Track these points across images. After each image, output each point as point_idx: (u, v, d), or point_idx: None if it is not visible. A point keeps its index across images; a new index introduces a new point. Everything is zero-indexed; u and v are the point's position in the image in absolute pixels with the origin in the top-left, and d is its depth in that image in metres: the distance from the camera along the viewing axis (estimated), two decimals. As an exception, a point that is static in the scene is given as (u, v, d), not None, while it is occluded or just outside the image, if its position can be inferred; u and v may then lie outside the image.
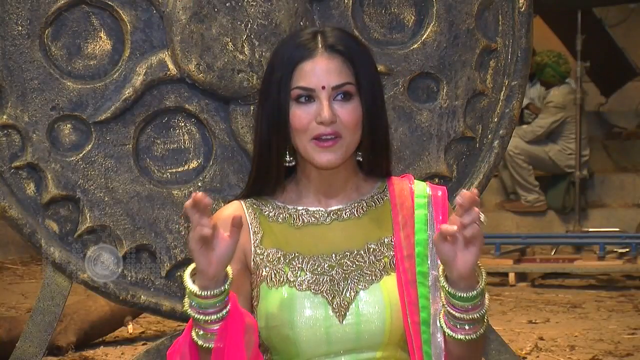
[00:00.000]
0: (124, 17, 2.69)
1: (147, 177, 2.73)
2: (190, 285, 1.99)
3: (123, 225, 2.71)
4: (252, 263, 2.17)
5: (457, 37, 2.81)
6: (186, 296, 2.00)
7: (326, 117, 2.10)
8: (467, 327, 2.04)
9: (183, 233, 2.71)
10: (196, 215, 1.93)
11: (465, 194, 1.95)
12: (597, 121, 10.42)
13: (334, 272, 2.15)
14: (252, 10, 2.68)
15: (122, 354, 5.25)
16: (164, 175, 2.74)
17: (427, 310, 2.13)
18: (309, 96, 2.13)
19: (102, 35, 2.71)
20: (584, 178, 9.11)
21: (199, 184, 2.73)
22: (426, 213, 2.19)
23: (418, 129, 2.81)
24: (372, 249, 2.17)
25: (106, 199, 2.70)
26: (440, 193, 2.22)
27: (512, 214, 9.26)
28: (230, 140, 2.74)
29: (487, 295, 2.04)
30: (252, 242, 2.18)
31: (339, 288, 2.13)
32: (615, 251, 7.67)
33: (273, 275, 2.15)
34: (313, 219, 2.19)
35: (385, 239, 2.18)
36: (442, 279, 2.04)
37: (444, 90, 2.81)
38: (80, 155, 2.70)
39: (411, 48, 2.80)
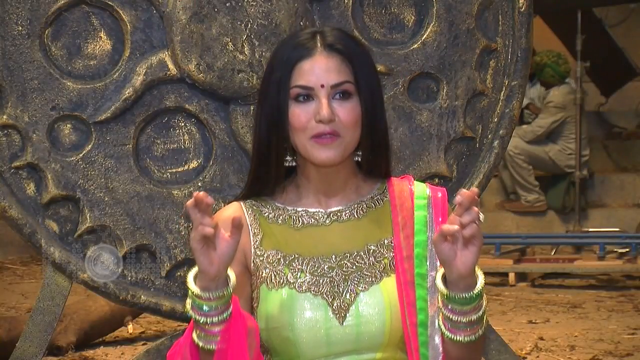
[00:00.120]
0: (124, 17, 2.69)
1: (147, 177, 2.73)
2: (192, 286, 1.98)
3: (123, 225, 2.71)
4: (252, 264, 2.17)
5: (457, 37, 2.81)
6: (188, 297, 2.00)
7: (325, 116, 2.10)
8: (466, 329, 2.04)
9: (183, 233, 2.71)
10: (198, 214, 1.93)
11: (464, 193, 1.95)
12: (597, 121, 10.42)
13: (333, 273, 2.15)
14: (252, 10, 2.68)
15: (122, 354, 5.25)
16: (164, 175, 2.74)
17: (425, 312, 2.13)
18: (308, 95, 2.13)
19: (102, 35, 2.71)
20: (584, 178, 9.11)
21: (199, 184, 2.73)
22: (426, 214, 2.19)
23: (418, 129, 2.81)
24: (372, 250, 2.17)
25: (106, 199, 2.70)
26: (440, 194, 2.22)
27: (512, 214, 9.26)
28: (230, 140, 2.74)
29: (485, 297, 2.04)
30: (252, 243, 2.18)
31: (339, 289, 2.13)
32: (615, 251, 7.67)
33: (273, 277, 2.15)
34: (313, 220, 2.19)
35: (385, 240, 2.18)
36: (439, 282, 2.03)
37: (444, 90, 2.81)
38: (80, 155, 2.70)
39: (411, 48, 2.80)
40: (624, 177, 9.70)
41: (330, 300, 2.12)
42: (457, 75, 2.81)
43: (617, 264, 7.41)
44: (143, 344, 5.32)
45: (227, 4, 2.68)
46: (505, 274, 7.45)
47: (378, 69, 2.53)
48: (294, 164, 2.19)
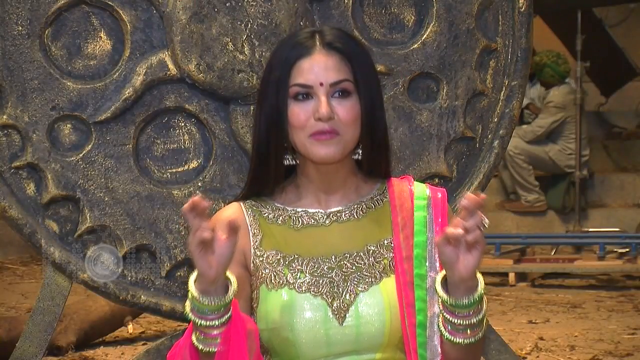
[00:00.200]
0: (124, 17, 2.69)
1: (147, 177, 2.73)
2: (192, 289, 1.98)
3: (123, 225, 2.71)
4: (252, 265, 2.17)
5: (457, 37, 2.81)
6: (188, 300, 2.00)
7: (324, 114, 2.10)
8: (467, 332, 2.04)
9: (183, 233, 2.71)
10: (195, 219, 1.92)
11: (471, 197, 1.94)
12: (597, 121, 10.42)
13: (333, 274, 2.14)
14: (252, 10, 2.68)
15: (122, 354, 5.25)
16: (164, 175, 2.74)
17: (424, 313, 2.13)
18: (307, 94, 2.13)
19: (102, 35, 2.71)
20: (584, 178, 9.12)
21: (199, 184, 2.73)
22: (425, 215, 2.19)
23: (418, 129, 2.81)
24: (371, 251, 2.17)
25: (106, 199, 2.70)
26: (440, 195, 2.22)
27: (512, 214, 9.26)
28: (230, 140, 2.74)
29: (485, 300, 2.04)
30: (252, 244, 2.18)
31: (339, 290, 2.13)
32: (615, 251, 7.68)
33: (273, 277, 2.14)
34: (312, 221, 2.19)
35: (385, 241, 2.18)
36: (439, 286, 2.03)
37: (444, 90, 2.81)
38: (80, 155, 2.70)
39: (411, 48, 2.80)
40: (624, 177, 9.71)
41: (330, 300, 2.12)
42: (457, 75, 2.81)
43: (617, 264, 7.41)
44: (143, 344, 5.32)
45: (227, 4, 2.68)
46: (505, 274, 7.45)
47: (378, 69, 2.54)
48: (293, 162, 2.18)
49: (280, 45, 2.21)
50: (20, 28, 2.66)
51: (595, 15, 9.55)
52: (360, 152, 2.18)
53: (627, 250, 7.52)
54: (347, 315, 2.11)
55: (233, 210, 2.21)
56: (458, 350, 2.06)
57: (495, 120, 2.86)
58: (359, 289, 2.13)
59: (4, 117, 2.67)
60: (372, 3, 2.80)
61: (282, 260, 2.15)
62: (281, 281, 2.14)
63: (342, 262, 2.15)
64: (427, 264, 2.16)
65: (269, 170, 2.18)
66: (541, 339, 5.50)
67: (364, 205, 2.21)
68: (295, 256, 2.16)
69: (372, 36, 2.80)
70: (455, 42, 2.81)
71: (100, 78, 2.71)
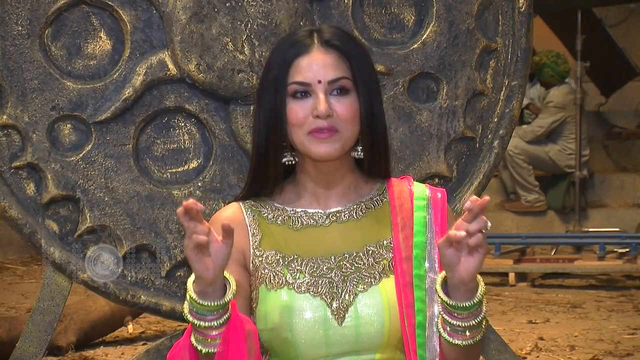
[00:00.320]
0: (124, 17, 2.69)
1: (147, 177, 2.72)
2: (190, 291, 1.98)
3: (123, 225, 2.71)
4: (251, 265, 2.17)
5: (457, 37, 2.81)
6: (186, 301, 2.00)
7: (322, 111, 2.10)
8: (466, 333, 2.04)
9: (183, 233, 2.71)
10: (191, 222, 1.92)
11: (475, 200, 1.93)
12: (597, 121, 10.42)
13: (332, 274, 2.14)
14: (252, 10, 2.68)
15: (122, 354, 5.26)
16: (164, 175, 2.74)
17: (423, 313, 2.13)
18: (306, 91, 2.13)
19: (102, 35, 2.71)
20: (584, 178, 9.12)
21: (199, 184, 2.73)
22: (425, 215, 2.19)
23: (418, 129, 2.81)
24: (371, 251, 2.16)
25: (106, 199, 2.69)
26: (439, 195, 2.22)
27: (512, 214, 9.27)
28: (230, 140, 2.74)
29: (485, 302, 2.04)
30: (251, 244, 2.18)
31: (338, 290, 2.13)
32: (615, 251, 7.68)
33: (272, 278, 2.14)
34: (312, 221, 2.19)
35: (385, 241, 2.17)
36: (439, 288, 2.03)
37: (444, 90, 2.81)
38: (80, 155, 2.70)
39: (411, 48, 2.80)
40: (624, 177, 9.71)
41: (329, 301, 2.12)
42: (457, 75, 2.81)
43: (617, 264, 7.41)
44: (143, 344, 5.32)
45: (227, 4, 2.68)
46: (505, 274, 7.45)
47: (378, 69, 2.54)
48: (292, 160, 2.18)
49: (279, 44, 2.22)
50: (20, 28, 2.66)
51: (595, 15, 9.55)
52: (360, 150, 2.18)
53: (627, 250, 7.52)
54: (346, 315, 2.11)
55: (232, 211, 2.21)
56: (457, 351, 2.06)
57: (495, 120, 2.86)
58: (358, 289, 2.13)
59: (4, 117, 2.67)
60: (372, 3, 2.80)
61: (281, 261, 2.15)
62: (280, 281, 2.14)
63: (341, 263, 2.15)
64: (426, 264, 2.16)
65: (268, 169, 2.18)
66: (541, 339, 5.50)
67: (364, 206, 2.21)
68: (295, 256, 2.16)
69: (372, 36, 2.80)
70: (455, 42, 2.81)
71: (100, 78, 2.71)
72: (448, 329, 2.04)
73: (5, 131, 2.68)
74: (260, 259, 2.16)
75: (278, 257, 2.16)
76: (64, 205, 2.71)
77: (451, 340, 2.04)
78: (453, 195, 2.80)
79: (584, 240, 8.30)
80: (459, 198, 2.79)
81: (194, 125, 2.75)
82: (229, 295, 1.97)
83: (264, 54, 2.66)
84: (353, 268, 2.15)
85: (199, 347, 2.00)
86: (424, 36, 2.80)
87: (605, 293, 7.05)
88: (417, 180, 2.29)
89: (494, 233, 8.06)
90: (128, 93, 2.69)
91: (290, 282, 2.13)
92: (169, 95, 2.72)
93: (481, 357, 2.72)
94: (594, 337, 5.57)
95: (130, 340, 5.51)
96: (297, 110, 2.13)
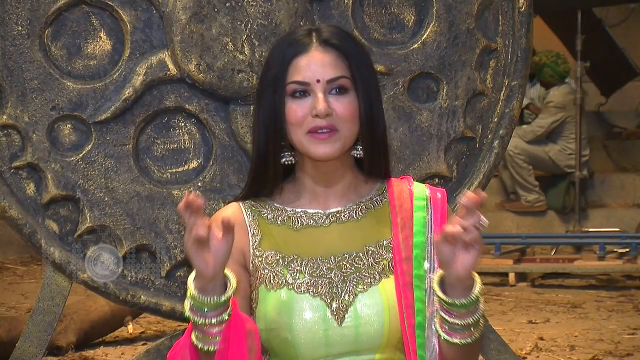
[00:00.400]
0: (124, 17, 2.69)
1: (147, 177, 2.72)
2: (191, 288, 1.98)
3: (123, 225, 2.71)
4: (251, 265, 2.17)
5: (457, 37, 2.81)
6: (187, 298, 2.00)
7: (321, 110, 2.10)
8: (464, 332, 2.03)
9: (183, 233, 2.71)
10: (191, 217, 1.92)
11: (469, 195, 1.93)
12: (597, 121, 10.42)
13: (332, 274, 2.14)
14: (252, 10, 2.68)
15: (122, 354, 5.26)
16: (164, 175, 2.74)
17: (423, 313, 2.13)
18: (304, 91, 2.13)
19: (102, 35, 2.71)
20: (584, 178, 9.12)
21: (199, 184, 2.73)
22: (425, 215, 2.18)
23: (418, 129, 2.81)
24: (370, 252, 2.16)
25: (106, 199, 2.70)
26: (439, 195, 2.22)
27: (512, 214, 9.27)
28: (230, 140, 2.74)
29: (482, 300, 2.04)
30: (251, 244, 2.18)
31: (338, 291, 2.13)
32: (615, 251, 7.68)
33: (272, 278, 2.14)
34: (312, 222, 2.19)
35: (384, 241, 2.17)
36: (436, 285, 2.03)
37: (444, 90, 2.81)
38: (80, 155, 2.70)
39: (411, 48, 2.80)
40: (624, 177, 9.71)
41: (329, 301, 2.12)
42: (457, 75, 2.81)
43: (617, 264, 7.41)
44: (143, 344, 5.32)
45: (227, 4, 2.68)
46: (505, 274, 7.45)
47: (378, 69, 2.54)
48: (291, 160, 2.18)
49: (277, 43, 2.22)
50: (20, 28, 2.66)
51: (595, 15, 9.55)
52: (360, 149, 2.17)
53: (627, 250, 7.52)
54: (346, 315, 2.11)
55: (232, 211, 2.21)
56: (455, 350, 2.06)
57: (495, 120, 2.86)
58: (358, 289, 2.13)
59: (4, 117, 2.67)
60: (372, 3, 2.80)
61: (281, 261, 2.15)
62: (280, 281, 2.14)
63: (341, 263, 2.15)
64: (426, 264, 2.15)
65: (268, 169, 2.18)
66: (541, 339, 5.50)
67: (364, 206, 2.21)
68: (295, 256, 2.16)
69: (372, 36, 2.80)
70: (455, 42, 2.81)
71: (100, 78, 2.71)
72: (446, 327, 2.04)
73: (5, 131, 2.68)
74: (260, 259, 2.16)
75: (278, 257, 2.16)
76: (64, 205, 2.71)
77: (449, 339, 2.04)
78: (453, 195, 2.80)
79: (584, 240, 8.30)
80: (459, 198, 2.79)
81: (194, 125, 2.75)
82: (229, 292, 1.97)
83: (264, 54, 2.66)
84: (353, 268, 2.15)
85: (200, 345, 1.99)
86: (424, 36, 2.80)
87: (605, 293, 7.05)
88: (417, 180, 2.29)
89: (494, 233, 8.06)
90: (128, 93, 2.69)
91: (290, 282, 2.13)
92: (169, 95, 2.72)
93: (481, 357, 2.72)
94: (594, 337, 5.57)
95: (130, 340, 5.51)
96: (296, 110, 2.13)
